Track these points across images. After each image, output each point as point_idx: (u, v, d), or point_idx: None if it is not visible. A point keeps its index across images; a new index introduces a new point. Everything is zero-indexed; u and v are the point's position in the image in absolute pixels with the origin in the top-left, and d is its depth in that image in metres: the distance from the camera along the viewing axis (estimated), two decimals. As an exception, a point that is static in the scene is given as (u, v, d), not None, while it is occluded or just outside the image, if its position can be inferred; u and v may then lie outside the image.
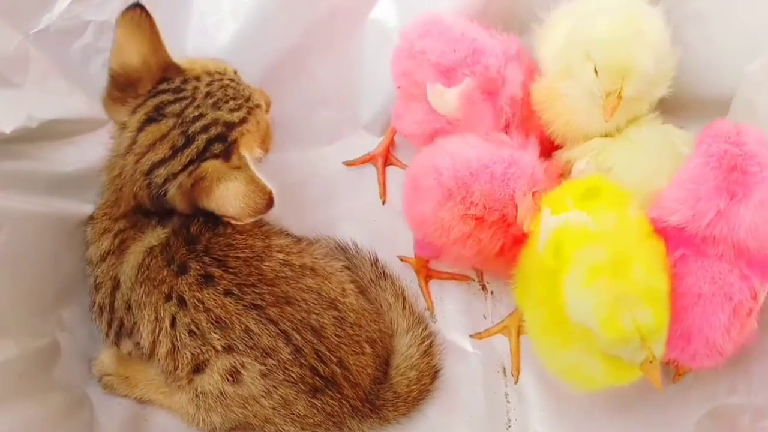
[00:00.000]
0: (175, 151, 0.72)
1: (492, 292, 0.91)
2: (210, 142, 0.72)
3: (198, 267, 0.72)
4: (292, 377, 0.72)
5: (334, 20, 0.93)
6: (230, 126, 0.73)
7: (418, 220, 0.80)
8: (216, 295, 0.71)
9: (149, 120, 0.73)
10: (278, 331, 0.72)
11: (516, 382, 0.86)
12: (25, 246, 0.76)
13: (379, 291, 0.87)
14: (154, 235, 0.75)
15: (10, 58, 0.81)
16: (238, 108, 0.75)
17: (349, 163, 0.99)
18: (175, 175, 0.72)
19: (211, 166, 0.71)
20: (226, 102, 0.74)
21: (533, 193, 0.76)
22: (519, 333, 0.87)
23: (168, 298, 0.72)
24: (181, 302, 0.71)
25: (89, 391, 0.81)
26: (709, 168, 0.68)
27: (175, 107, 0.73)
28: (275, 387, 0.72)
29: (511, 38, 0.86)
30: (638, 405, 0.80)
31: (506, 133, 0.83)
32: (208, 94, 0.74)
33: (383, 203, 0.98)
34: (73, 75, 0.86)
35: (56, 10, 0.84)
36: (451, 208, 0.76)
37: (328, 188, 0.98)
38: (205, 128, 0.72)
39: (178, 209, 0.74)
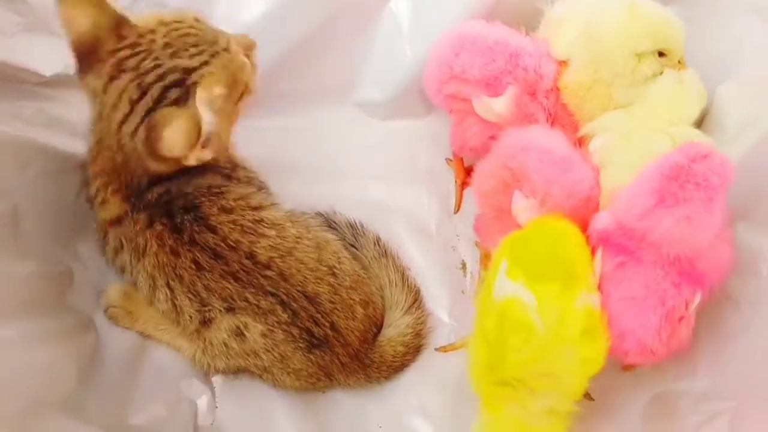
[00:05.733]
0: (132, 105, 0.72)
1: (471, 273, 0.98)
2: (166, 89, 0.71)
3: (190, 256, 0.76)
4: (291, 336, 0.79)
5: (353, 10, 0.99)
6: (189, 71, 0.72)
7: None
8: (213, 278, 0.76)
9: (110, 79, 0.73)
10: (276, 300, 0.78)
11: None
12: (50, 180, 0.84)
13: (381, 268, 0.93)
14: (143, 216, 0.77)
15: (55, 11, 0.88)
16: (200, 53, 0.74)
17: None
18: (136, 130, 0.72)
19: (161, 112, 0.71)
20: (186, 50, 0.73)
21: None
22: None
23: (162, 269, 0.77)
24: (180, 278, 0.76)
25: (96, 318, 0.87)
26: (658, 171, 0.74)
27: (132, 61, 0.72)
28: (275, 345, 0.79)
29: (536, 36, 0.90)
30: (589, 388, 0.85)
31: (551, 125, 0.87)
32: (166, 45, 0.73)
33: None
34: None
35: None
36: None
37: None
38: (160, 77, 0.72)
39: (154, 170, 0.74)
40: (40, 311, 0.78)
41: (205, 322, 0.79)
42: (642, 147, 0.82)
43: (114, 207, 0.77)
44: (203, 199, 0.77)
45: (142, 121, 0.71)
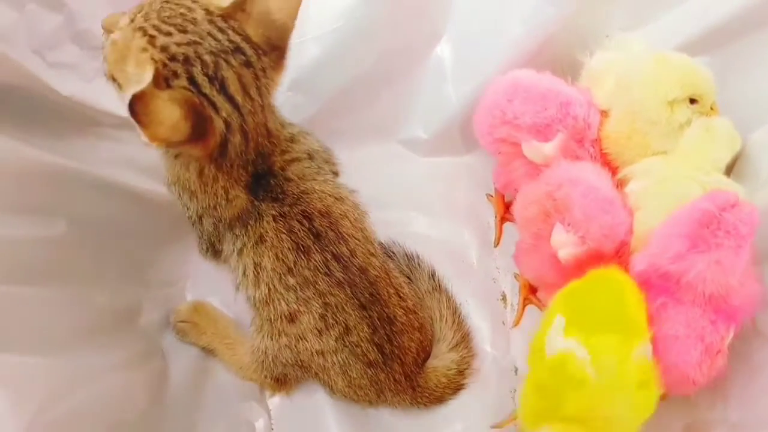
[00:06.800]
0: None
1: (511, 304, 1.04)
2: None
3: (321, 259, 0.80)
4: (361, 348, 0.84)
5: (401, 54, 1.05)
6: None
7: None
8: (332, 284, 0.81)
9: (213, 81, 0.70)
10: (365, 315, 0.83)
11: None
12: (125, 215, 0.90)
13: (434, 301, 0.98)
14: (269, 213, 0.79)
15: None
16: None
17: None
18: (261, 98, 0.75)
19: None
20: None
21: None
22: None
23: (281, 261, 0.79)
24: (298, 275, 0.80)
25: (163, 344, 0.94)
26: (689, 217, 0.78)
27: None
28: (343, 349, 0.84)
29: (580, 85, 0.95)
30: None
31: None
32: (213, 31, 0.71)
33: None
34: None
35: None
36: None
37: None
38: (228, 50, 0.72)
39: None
40: (117, 338, 0.84)
41: (291, 318, 0.82)
42: (675, 194, 0.85)
43: (240, 200, 0.79)
44: (330, 199, 0.82)
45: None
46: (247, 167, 0.77)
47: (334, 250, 0.81)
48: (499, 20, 1.00)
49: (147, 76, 0.66)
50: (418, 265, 1.01)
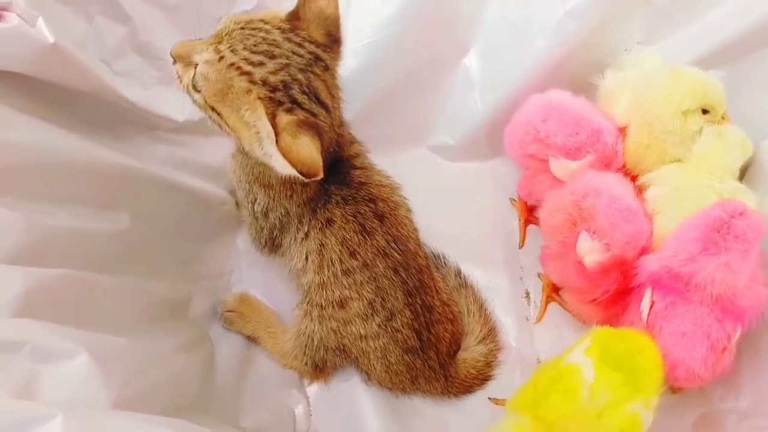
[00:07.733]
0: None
1: (534, 302, 1.10)
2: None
3: (383, 241, 0.84)
4: (402, 334, 0.89)
5: (432, 65, 1.12)
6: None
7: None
8: (387, 266, 0.85)
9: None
10: (410, 302, 0.88)
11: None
12: (179, 214, 0.97)
13: (461, 297, 1.04)
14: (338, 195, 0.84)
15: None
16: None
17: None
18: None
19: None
20: None
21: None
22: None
23: (343, 243, 0.83)
24: (358, 256, 0.84)
25: (210, 333, 1.00)
26: (701, 223, 0.85)
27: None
28: (385, 334, 0.88)
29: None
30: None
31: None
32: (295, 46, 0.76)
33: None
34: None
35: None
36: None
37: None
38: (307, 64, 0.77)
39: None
40: (173, 326, 0.91)
41: (342, 303, 0.87)
42: (691, 200, 0.92)
43: (314, 184, 0.82)
44: (387, 189, 0.87)
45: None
46: (326, 156, 0.81)
47: (395, 233, 0.86)
48: (524, 34, 1.07)
49: (263, 118, 0.71)
50: (445, 263, 1.07)
